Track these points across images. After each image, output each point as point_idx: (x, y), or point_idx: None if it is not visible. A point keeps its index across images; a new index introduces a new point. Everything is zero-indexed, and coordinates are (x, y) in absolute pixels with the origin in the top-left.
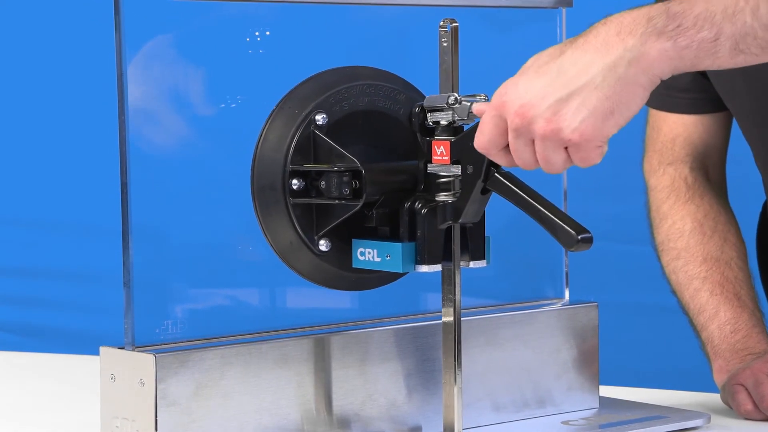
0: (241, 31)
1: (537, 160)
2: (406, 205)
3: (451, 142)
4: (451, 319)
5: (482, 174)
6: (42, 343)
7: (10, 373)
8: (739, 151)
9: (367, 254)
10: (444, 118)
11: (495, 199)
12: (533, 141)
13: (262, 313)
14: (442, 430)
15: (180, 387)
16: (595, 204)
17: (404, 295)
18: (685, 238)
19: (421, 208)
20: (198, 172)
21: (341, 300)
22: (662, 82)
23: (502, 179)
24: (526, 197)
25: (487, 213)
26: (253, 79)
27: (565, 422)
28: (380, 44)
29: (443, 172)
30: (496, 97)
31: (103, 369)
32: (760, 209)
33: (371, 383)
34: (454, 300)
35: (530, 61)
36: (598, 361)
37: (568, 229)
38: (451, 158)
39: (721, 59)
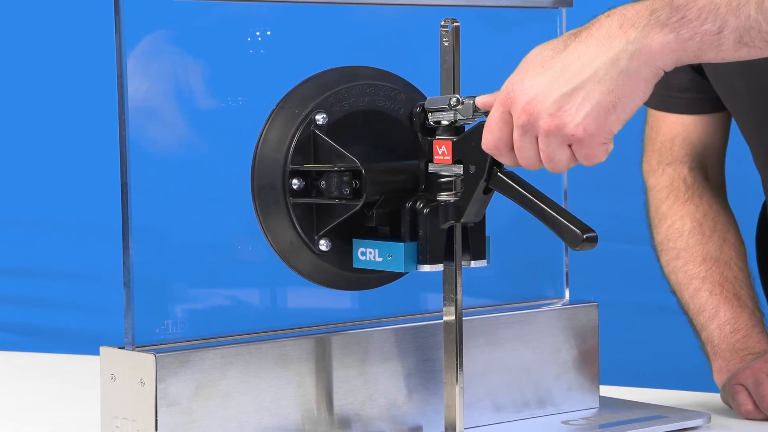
0: (242, 31)
1: (541, 159)
2: (408, 205)
3: (452, 141)
4: (453, 318)
5: (485, 173)
6: (42, 343)
7: (10, 373)
8: (739, 151)
9: (368, 254)
10: (445, 118)
11: (495, 199)
12: (537, 139)
13: (262, 313)
14: (442, 430)
15: (180, 387)
16: (595, 203)
17: (404, 295)
18: (684, 237)
19: (423, 207)
20: (198, 172)
21: (341, 300)
22: (661, 81)
23: (506, 179)
24: (530, 197)
25: (488, 213)
26: (254, 78)
27: (565, 422)
28: (380, 44)
29: (445, 171)
30: (502, 93)
31: (104, 369)
32: (759, 209)
33: (371, 383)
34: (456, 300)
35: (533, 54)
36: (598, 361)
37: (574, 228)
38: (452, 158)
39: (724, 52)
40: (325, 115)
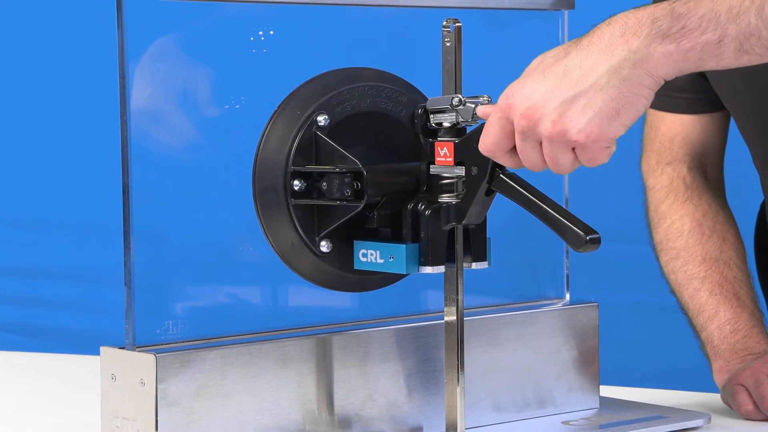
0: (243, 32)
1: (545, 162)
2: (410, 207)
3: (454, 143)
4: (454, 318)
5: (487, 175)
6: (42, 343)
7: (10, 373)
8: (738, 151)
9: (370, 255)
10: (447, 120)
11: (495, 199)
12: (540, 143)
13: (262, 313)
14: (443, 430)
15: (180, 387)
16: (595, 204)
17: (405, 295)
18: (683, 237)
19: (425, 209)
20: (199, 173)
21: (342, 300)
22: None
23: (508, 180)
24: (533, 198)
25: (488, 214)
26: (255, 80)
27: (566, 422)
28: (382, 46)
29: (446, 173)
30: (502, 99)
31: (104, 369)
32: (758, 209)
33: (372, 383)
34: (457, 301)
35: (535, 62)
36: (599, 361)
37: (576, 229)
38: (454, 160)
39: (725, 60)
40: (326, 117)
